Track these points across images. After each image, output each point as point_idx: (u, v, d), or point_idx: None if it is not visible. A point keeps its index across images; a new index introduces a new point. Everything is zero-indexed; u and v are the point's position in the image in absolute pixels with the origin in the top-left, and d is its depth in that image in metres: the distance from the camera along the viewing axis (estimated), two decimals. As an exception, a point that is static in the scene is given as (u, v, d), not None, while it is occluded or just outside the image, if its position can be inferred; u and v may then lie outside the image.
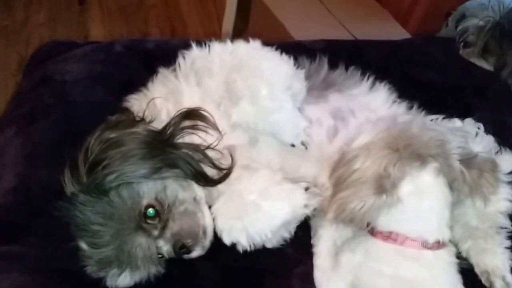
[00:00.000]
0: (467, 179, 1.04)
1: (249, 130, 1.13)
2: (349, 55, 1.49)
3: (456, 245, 1.13)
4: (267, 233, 1.07)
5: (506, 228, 1.16)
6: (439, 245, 1.02)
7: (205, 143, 1.11)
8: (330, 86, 1.25)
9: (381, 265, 1.03)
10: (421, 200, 1.02)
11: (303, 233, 1.16)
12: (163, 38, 2.60)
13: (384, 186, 1.00)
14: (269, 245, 1.10)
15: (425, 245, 1.02)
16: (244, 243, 1.07)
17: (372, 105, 1.26)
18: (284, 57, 1.16)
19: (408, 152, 1.01)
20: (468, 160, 1.04)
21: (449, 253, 1.04)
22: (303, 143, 1.14)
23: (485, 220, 1.14)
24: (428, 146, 1.01)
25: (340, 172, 1.05)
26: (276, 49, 1.19)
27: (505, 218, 1.16)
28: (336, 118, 1.20)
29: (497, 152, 1.24)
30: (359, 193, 1.00)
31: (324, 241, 1.16)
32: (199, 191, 1.12)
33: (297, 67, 1.19)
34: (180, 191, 1.09)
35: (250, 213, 1.06)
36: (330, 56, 1.32)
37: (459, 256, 1.10)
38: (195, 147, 1.11)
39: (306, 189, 1.10)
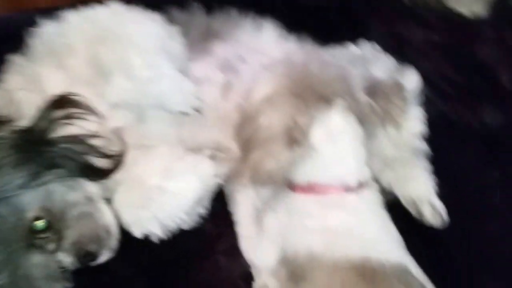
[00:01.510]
0: (375, 110, 1.03)
1: (133, 107, 1.05)
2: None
3: (377, 180, 1.13)
4: (180, 215, 1.02)
5: (424, 150, 1.17)
6: (361, 186, 1.02)
7: (86, 132, 1.01)
8: (211, 36, 1.18)
9: (306, 219, 1.02)
10: (335, 143, 1.01)
11: (219, 203, 1.12)
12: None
13: (295, 137, 0.97)
14: (185, 226, 1.06)
15: (347, 189, 1.01)
16: (157, 232, 1.02)
17: (261, 46, 1.21)
18: (153, 15, 1.07)
19: (312, 96, 0.98)
20: (373, 89, 1.03)
21: (372, 192, 1.05)
22: (195, 108, 1.08)
23: (401, 147, 1.14)
24: (331, 84, 0.99)
25: (246, 132, 1.01)
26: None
27: (421, 140, 1.16)
28: (226, 70, 1.14)
29: (398, 70, 1.23)
30: (271, 151, 0.97)
31: (243, 207, 1.12)
32: (91, 187, 1.03)
33: (170, 23, 1.10)
34: (69, 193, 1.00)
35: (156, 199, 1.00)
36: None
37: (383, 191, 1.12)
38: (75, 139, 1.00)
39: (212, 157, 1.05)
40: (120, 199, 1.02)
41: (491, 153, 1.27)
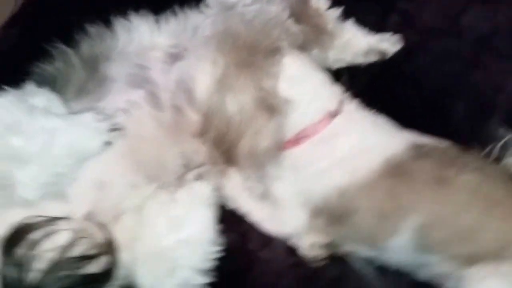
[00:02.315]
0: (309, 32, 0.99)
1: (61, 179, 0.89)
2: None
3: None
4: (210, 249, 0.94)
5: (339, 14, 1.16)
6: (340, 103, 1.01)
7: (62, 247, 0.85)
8: (96, 65, 1.01)
9: (317, 164, 0.99)
10: (300, 85, 0.97)
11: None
12: None
13: (271, 104, 0.91)
14: (218, 252, 0.97)
15: (333, 115, 0.99)
16: (202, 280, 0.93)
17: (147, 44, 1.05)
18: None
19: (257, 56, 0.91)
20: (296, 14, 0.98)
21: (351, 101, 1.04)
22: (113, 129, 0.94)
23: (326, 25, 1.12)
24: (267, 35, 0.93)
25: (218, 128, 0.93)
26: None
27: (332, 9, 1.15)
28: (139, 84, 0.99)
29: None
30: (257, 129, 0.91)
31: (240, 195, 1.06)
32: None
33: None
34: None
35: (184, 254, 0.92)
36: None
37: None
38: (56, 263, 0.84)
39: (198, 176, 0.97)
40: (149, 280, 0.90)
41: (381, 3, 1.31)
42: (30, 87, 0.94)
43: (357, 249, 1.05)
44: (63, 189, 0.88)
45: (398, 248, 0.99)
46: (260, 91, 0.90)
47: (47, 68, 1.01)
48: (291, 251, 1.06)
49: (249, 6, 0.95)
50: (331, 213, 1.02)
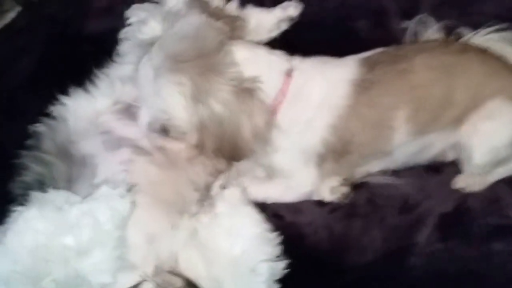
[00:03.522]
0: (228, 23, 1.07)
1: None
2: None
3: None
4: (271, 235, 1.01)
5: None
6: (289, 61, 1.10)
7: None
8: (67, 151, 1.03)
9: (300, 120, 1.08)
10: (255, 60, 1.05)
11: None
12: None
13: (244, 86, 0.98)
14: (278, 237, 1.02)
15: (289, 73, 1.08)
16: (281, 264, 0.99)
17: (92, 113, 1.09)
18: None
19: (211, 57, 0.98)
20: (212, 14, 1.07)
21: (291, 56, 1.13)
22: (129, 188, 0.97)
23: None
24: (204, 38, 0.99)
25: (216, 133, 0.98)
26: None
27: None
28: (118, 146, 1.03)
29: None
30: (249, 113, 0.98)
31: (252, 187, 1.12)
32: None
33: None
34: None
35: (254, 251, 0.98)
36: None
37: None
38: None
39: (223, 186, 1.06)
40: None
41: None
42: (36, 195, 0.92)
43: (369, 169, 1.17)
44: (126, 258, 0.89)
45: (402, 144, 1.12)
46: (231, 81, 0.96)
47: (28, 178, 1.01)
48: (320, 203, 1.16)
49: (173, 27, 1.02)
50: (334, 151, 1.11)
